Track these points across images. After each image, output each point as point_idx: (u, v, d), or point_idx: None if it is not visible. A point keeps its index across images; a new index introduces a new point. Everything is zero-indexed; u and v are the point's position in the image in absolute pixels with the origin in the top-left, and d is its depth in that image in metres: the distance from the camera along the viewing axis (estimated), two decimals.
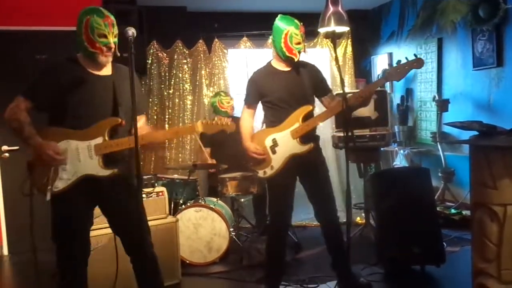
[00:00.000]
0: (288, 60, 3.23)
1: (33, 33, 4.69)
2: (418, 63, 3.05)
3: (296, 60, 3.21)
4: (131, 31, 2.35)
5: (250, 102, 3.37)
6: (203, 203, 4.22)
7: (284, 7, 5.91)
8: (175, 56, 5.77)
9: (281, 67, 3.29)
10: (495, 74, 4.72)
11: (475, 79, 4.99)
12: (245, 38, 5.94)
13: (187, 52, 5.81)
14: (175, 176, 4.68)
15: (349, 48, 6.22)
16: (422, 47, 5.72)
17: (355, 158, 4.71)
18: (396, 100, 6.16)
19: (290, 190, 3.29)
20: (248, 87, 3.39)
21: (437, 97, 5.36)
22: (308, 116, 3.22)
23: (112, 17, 2.52)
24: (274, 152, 3.22)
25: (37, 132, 2.49)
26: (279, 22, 3.23)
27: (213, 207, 4.17)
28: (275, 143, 3.23)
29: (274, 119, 3.28)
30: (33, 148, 2.45)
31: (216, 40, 5.89)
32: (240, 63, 6.12)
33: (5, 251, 4.72)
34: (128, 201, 2.54)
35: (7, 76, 4.66)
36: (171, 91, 5.78)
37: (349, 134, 2.88)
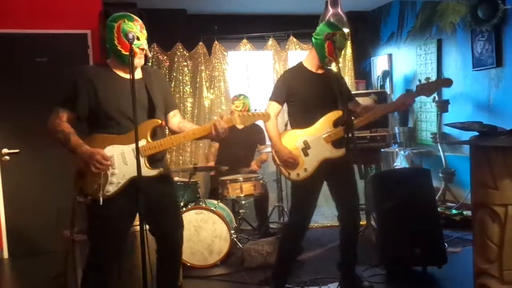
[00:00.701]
0: (323, 62, 3.24)
1: (33, 36, 4.70)
2: (446, 82, 3.22)
3: (331, 63, 3.24)
4: (132, 34, 2.40)
5: (279, 101, 3.31)
6: (204, 205, 4.22)
7: (284, 9, 5.95)
8: (175, 59, 5.78)
9: (314, 68, 3.30)
10: (495, 75, 4.73)
11: (475, 79, 5.00)
12: (245, 41, 5.94)
13: (187, 54, 5.82)
14: (176, 178, 4.68)
15: (349, 50, 6.23)
16: (421, 48, 5.73)
17: (356, 160, 4.70)
18: None
19: (317, 192, 3.29)
20: (278, 85, 3.35)
21: (437, 98, 5.36)
22: (338, 120, 3.23)
23: (141, 21, 2.57)
24: (306, 154, 3.21)
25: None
26: (326, 25, 3.24)
27: (214, 209, 4.17)
28: (307, 145, 3.21)
29: (302, 120, 3.27)
30: (81, 157, 2.47)
31: (216, 42, 5.90)
32: (240, 65, 6.13)
33: (5, 254, 4.72)
34: (167, 201, 2.65)
35: (7, 79, 4.67)
36: None
37: (350, 135, 2.89)
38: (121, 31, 2.48)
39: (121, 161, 2.52)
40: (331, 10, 4.85)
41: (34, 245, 4.69)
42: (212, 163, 5.07)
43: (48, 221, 4.48)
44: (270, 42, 6.02)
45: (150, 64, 5.63)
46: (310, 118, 3.24)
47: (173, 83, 5.78)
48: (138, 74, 2.61)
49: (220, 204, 4.42)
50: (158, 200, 2.63)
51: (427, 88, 3.18)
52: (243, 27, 6.04)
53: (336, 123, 3.22)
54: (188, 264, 4.02)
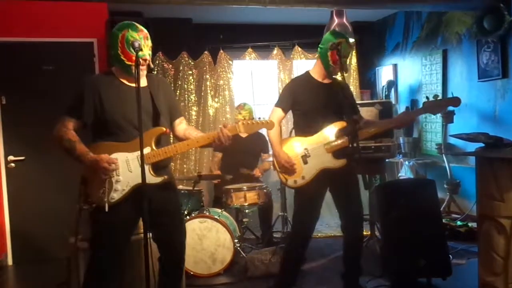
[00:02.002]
0: (329, 71, 3.25)
1: (40, 44, 4.74)
2: (454, 101, 3.14)
3: (337, 72, 3.24)
4: (137, 43, 2.43)
5: (283, 107, 3.34)
6: (207, 214, 4.22)
7: (289, 19, 5.96)
8: (181, 67, 5.80)
9: (320, 78, 3.31)
10: (501, 86, 4.72)
11: (480, 90, 4.98)
12: (250, 50, 5.96)
13: (192, 63, 5.84)
14: (180, 186, 4.68)
15: (354, 60, 6.24)
16: (427, 58, 5.72)
17: (360, 169, 4.69)
18: (401, 111, 6.16)
19: (319, 201, 3.30)
20: (284, 92, 3.39)
21: None
22: (342, 131, 3.23)
23: (146, 31, 2.57)
24: (305, 162, 3.22)
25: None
26: (331, 34, 3.26)
27: (218, 218, 4.16)
28: (307, 153, 3.22)
29: (306, 129, 3.28)
30: (88, 164, 2.49)
31: (221, 51, 5.92)
32: (245, 74, 6.15)
33: (10, 261, 4.72)
34: (171, 209, 2.65)
35: (14, 87, 4.70)
36: None
37: (355, 145, 2.88)
38: (125, 41, 2.51)
39: (126, 168, 2.54)
40: (336, 20, 4.87)
41: (39, 252, 4.69)
42: (217, 172, 5.07)
43: (52, 228, 4.49)
44: (275, 51, 6.04)
45: (155, 72, 5.66)
46: (313, 127, 3.25)
47: (178, 91, 5.80)
48: (143, 82, 2.63)
49: (224, 212, 4.41)
50: (162, 207, 2.63)
51: (434, 106, 3.15)
52: (248, 36, 6.06)
53: (339, 134, 3.22)
54: (191, 273, 4.00)
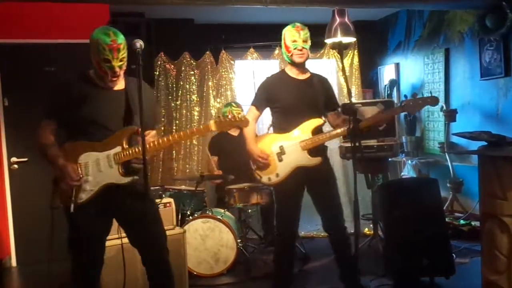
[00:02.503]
0: (291, 61, 3.24)
1: (42, 45, 4.74)
2: (432, 101, 3.13)
3: (300, 60, 3.21)
4: (139, 43, 2.39)
5: (258, 106, 3.35)
6: (210, 214, 4.22)
7: (291, 18, 5.92)
8: (183, 68, 5.80)
9: (295, 74, 3.30)
10: (503, 84, 4.71)
11: (483, 89, 4.98)
12: (252, 50, 5.96)
13: (194, 63, 5.84)
14: (183, 187, 4.68)
15: (356, 59, 6.23)
16: (429, 57, 5.72)
17: (363, 169, 4.69)
18: None
19: (297, 199, 3.28)
20: (259, 91, 3.38)
21: (444, 107, 5.35)
22: (318, 128, 3.22)
23: (120, 40, 2.48)
24: (280, 159, 3.21)
25: (60, 147, 2.58)
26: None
27: (221, 218, 4.16)
28: (282, 151, 3.22)
29: (282, 126, 3.27)
30: (56, 169, 2.54)
31: (223, 51, 5.93)
32: (247, 74, 6.14)
33: (14, 262, 4.73)
34: (145, 212, 2.54)
35: (16, 88, 4.71)
36: (178, 102, 5.80)
37: (357, 144, 2.88)
38: (96, 51, 2.48)
39: (96, 168, 2.53)
40: (338, 20, 4.86)
41: (42, 253, 4.69)
42: (219, 171, 5.06)
43: (56, 229, 4.48)
44: (277, 51, 6.03)
45: (157, 73, 5.67)
46: (289, 124, 3.24)
47: (180, 92, 5.80)
48: (120, 86, 2.63)
49: (227, 212, 4.41)
50: (133, 209, 2.58)
51: (412, 105, 3.15)
52: (250, 36, 6.06)
53: (315, 131, 3.20)
54: (194, 273, 4.01)
